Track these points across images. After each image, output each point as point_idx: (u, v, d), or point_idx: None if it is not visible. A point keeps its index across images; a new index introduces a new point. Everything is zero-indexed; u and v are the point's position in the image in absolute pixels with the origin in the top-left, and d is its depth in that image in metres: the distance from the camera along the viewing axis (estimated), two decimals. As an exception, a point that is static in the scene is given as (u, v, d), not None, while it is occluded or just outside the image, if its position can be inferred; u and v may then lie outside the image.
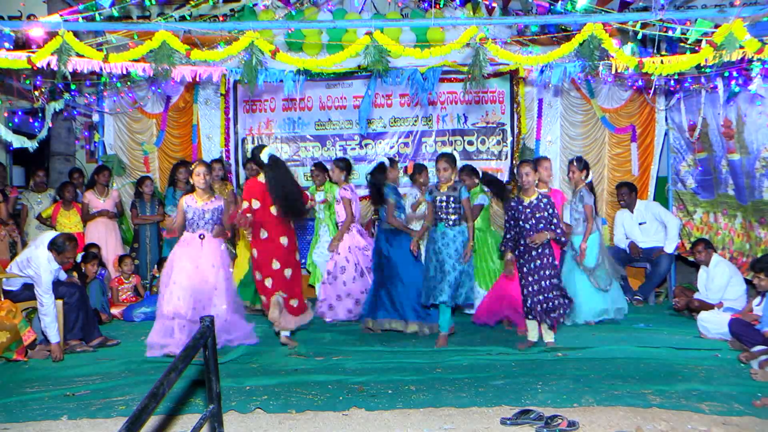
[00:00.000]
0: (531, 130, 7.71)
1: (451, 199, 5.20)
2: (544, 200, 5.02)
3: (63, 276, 5.48)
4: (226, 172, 7.38)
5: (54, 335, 5.09)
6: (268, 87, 5.79)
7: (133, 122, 8.02)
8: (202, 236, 5.23)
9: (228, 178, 7.53)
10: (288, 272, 5.18)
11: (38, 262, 5.10)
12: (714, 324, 5.31)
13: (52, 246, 5.18)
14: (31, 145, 6.52)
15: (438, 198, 5.26)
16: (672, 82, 6.22)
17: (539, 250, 4.98)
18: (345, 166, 6.47)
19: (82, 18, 4.81)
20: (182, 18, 5.31)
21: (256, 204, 5.09)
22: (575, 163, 5.95)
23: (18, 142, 6.19)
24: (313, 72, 6.19)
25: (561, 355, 4.91)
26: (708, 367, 4.50)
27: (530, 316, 5.09)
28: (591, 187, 5.99)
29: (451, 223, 5.20)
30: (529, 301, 5.02)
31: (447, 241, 5.19)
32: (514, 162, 7.65)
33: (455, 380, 4.29)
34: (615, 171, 7.59)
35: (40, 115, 7.15)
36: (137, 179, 7.60)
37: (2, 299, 5.18)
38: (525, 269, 5.04)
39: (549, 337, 5.16)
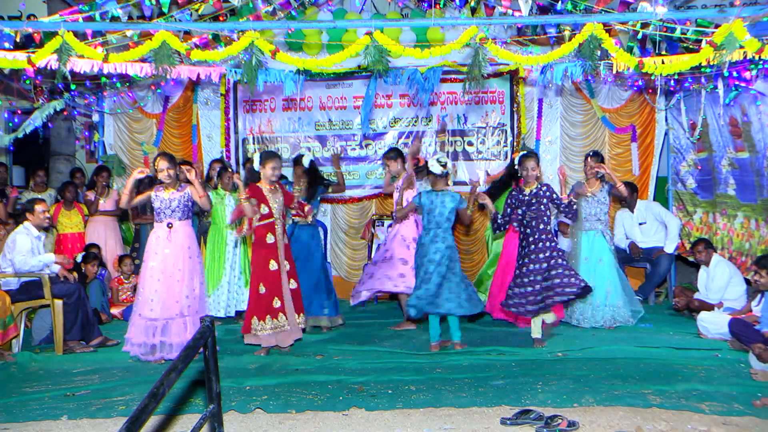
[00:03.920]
0: (531, 130, 7.71)
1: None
2: (544, 188, 5.17)
3: (56, 269, 5.47)
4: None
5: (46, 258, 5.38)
6: (268, 87, 5.77)
7: (133, 122, 8.02)
8: (170, 225, 5.14)
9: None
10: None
11: (14, 237, 5.28)
12: (714, 324, 5.31)
13: (22, 216, 5.42)
14: (3, 144, 6.53)
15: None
16: (672, 82, 6.22)
17: (537, 236, 5.09)
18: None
19: (82, 18, 4.81)
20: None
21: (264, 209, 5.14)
22: (594, 158, 5.93)
23: None
24: (313, 72, 6.19)
25: (561, 355, 4.92)
26: (708, 367, 4.50)
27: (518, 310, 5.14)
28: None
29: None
30: (524, 290, 5.07)
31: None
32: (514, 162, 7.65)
33: (455, 380, 4.29)
34: (615, 171, 7.52)
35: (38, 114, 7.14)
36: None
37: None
38: (525, 257, 5.12)
39: (536, 332, 5.21)
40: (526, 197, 5.16)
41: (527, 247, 5.12)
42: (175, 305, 5.02)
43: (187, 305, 5.07)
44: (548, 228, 5.14)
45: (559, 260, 5.04)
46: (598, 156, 5.97)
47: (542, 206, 5.11)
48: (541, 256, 5.04)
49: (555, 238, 5.23)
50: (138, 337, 5.02)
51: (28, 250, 5.21)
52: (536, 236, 5.10)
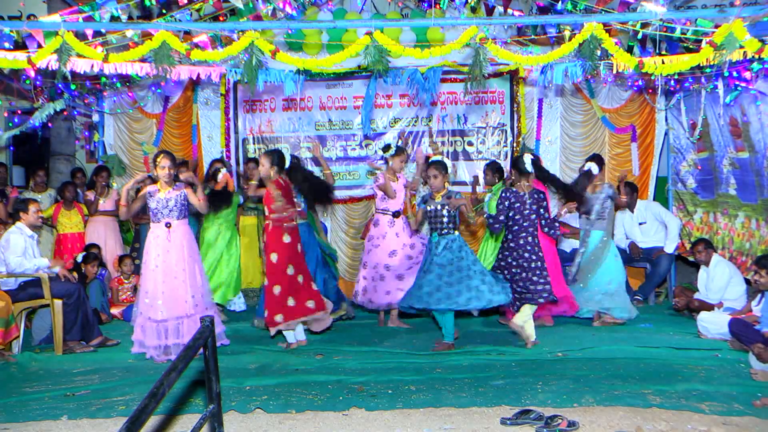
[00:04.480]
0: (531, 130, 7.71)
1: (445, 208, 5.14)
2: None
3: (56, 269, 5.47)
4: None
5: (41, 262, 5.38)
6: (268, 87, 5.77)
7: (133, 122, 8.02)
8: (168, 225, 5.14)
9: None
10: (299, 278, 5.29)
11: (7, 237, 5.28)
12: (714, 324, 5.31)
13: (15, 216, 5.44)
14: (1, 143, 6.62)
15: (432, 207, 5.20)
16: (672, 82, 6.22)
17: (526, 234, 5.29)
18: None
19: (82, 18, 4.81)
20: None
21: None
22: (597, 162, 6.04)
23: None
24: (313, 72, 6.19)
25: (561, 355, 4.92)
26: (708, 367, 4.50)
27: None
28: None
29: (444, 232, 5.16)
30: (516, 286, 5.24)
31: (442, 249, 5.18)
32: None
33: (455, 380, 4.29)
34: (615, 171, 7.57)
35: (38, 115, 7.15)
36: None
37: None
38: (514, 253, 5.30)
39: (519, 319, 5.25)
40: (524, 197, 5.31)
41: (520, 241, 5.31)
42: (183, 305, 5.04)
43: (194, 304, 5.08)
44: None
45: (541, 264, 5.37)
46: (601, 160, 6.09)
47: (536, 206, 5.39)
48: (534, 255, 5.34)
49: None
50: (152, 340, 5.03)
51: (22, 249, 5.21)
52: (526, 233, 5.33)
